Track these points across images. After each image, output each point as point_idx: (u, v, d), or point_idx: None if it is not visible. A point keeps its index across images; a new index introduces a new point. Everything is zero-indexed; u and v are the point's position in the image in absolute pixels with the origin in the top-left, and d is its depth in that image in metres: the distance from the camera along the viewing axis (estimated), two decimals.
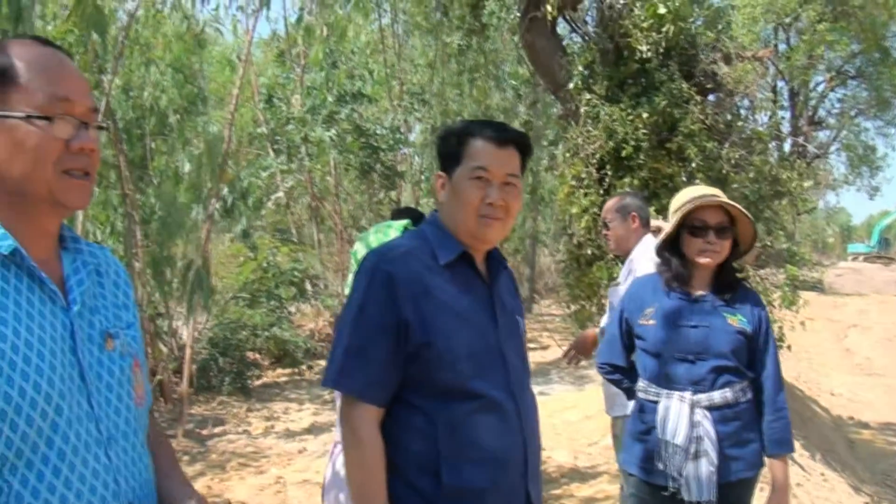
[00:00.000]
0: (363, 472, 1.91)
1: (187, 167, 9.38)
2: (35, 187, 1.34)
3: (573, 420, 7.06)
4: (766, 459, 2.92)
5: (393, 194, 12.86)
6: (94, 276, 1.49)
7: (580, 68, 7.54)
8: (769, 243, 9.64)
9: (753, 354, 2.91)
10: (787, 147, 14.08)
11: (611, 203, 4.20)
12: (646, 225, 4.13)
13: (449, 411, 1.93)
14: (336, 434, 3.18)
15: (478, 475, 1.93)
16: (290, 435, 8.05)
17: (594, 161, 7.45)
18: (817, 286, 21.32)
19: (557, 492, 5.68)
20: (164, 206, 8.84)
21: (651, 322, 2.98)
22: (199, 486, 6.39)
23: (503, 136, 2.04)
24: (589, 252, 7.64)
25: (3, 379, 1.22)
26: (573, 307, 8.66)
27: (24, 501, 1.23)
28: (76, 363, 1.35)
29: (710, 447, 2.81)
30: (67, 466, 1.27)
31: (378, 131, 11.08)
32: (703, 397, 2.85)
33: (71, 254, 1.46)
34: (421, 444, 1.93)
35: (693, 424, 2.83)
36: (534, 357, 11.95)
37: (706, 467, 2.80)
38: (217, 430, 8.31)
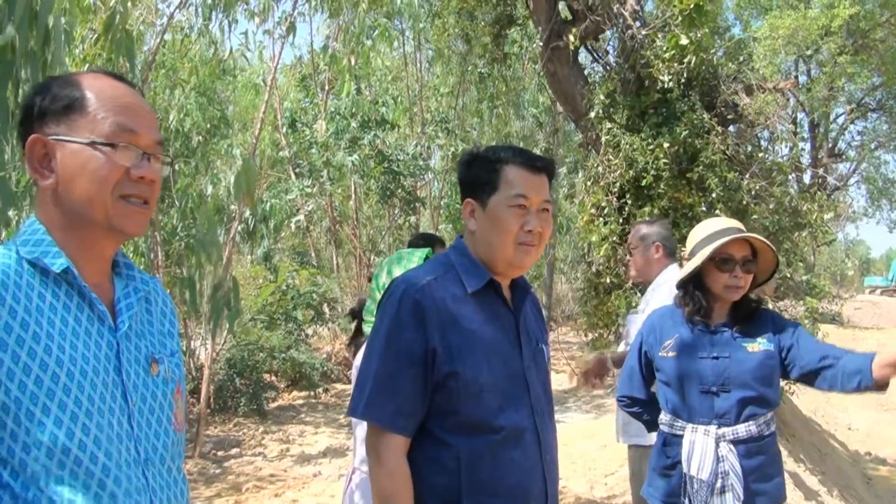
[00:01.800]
0: (390, 501, 1.90)
1: (210, 189, 9.47)
2: (93, 211, 1.38)
3: (590, 450, 7.01)
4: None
5: (412, 219, 12.91)
6: (144, 303, 1.54)
7: (601, 97, 7.58)
8: (788, 275, 9.59)
9: (793, 361, 2.86)
10: (807, 179, 14.08)
11: (634, 230, 4.15)
12: (670, 255, 4.06)
13: (472, 446, 1.93)
14: (353, 461, 3.19)
15: None
16: (305, 458, 8.05)
17: (614, 190, 7.46)
18: (836, 319, 21.13)
19: None
20: (198, 227, 8.91)
21: (671, 354, 2.98)
22: None
23: (536, 162, 2.05)
24: (608, 280, 7.63)
25: (43, 392, 1.25)
26: (591, 335, 8.63)
27: None
28: (120, 383, 1.38)
29: (735, 482, 2.79)
30: (99, 484, 1.29)
31: (400, 157, 11.14)
32: (728, 431, 2.84)
33: (123, 280, 1.51)
34: (444, 478, 1.93)
35: (719, 459, 2.81)
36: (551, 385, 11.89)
37: (732, 502, 2.78)
38: (233, 451, 8.32)
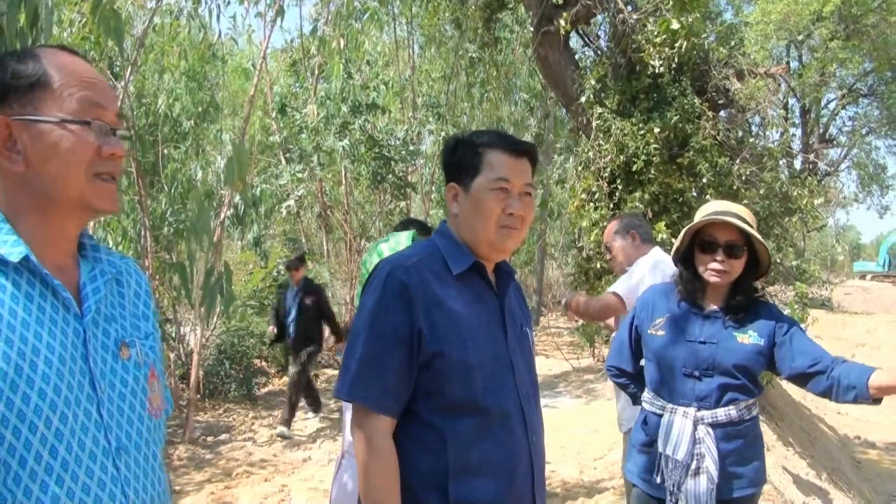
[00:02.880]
0: (377, 483, 1.90)
1: (199, 174, 9.43)
2: (67, 190, 1.34)
3: (580, 434, 7.04)
4: (766, 475, 2.89)
5: (403, 205, 12.87)
6: (113, 284, 1.49)
7: (592, 82, 7.57)
8: (778, 260, 9.62)
9: (783, 360, 2.84)
10: (798, 164, 14.09)
11: (609, 227, 4.32)
12: (647, 241, 4.21)
13: (458, 427, 1.93)
14: (343, 445, 3.19)
15: (486, 489, 1.93)
16: (295, 443, 8.05)
17: (605, 175, 7.46)
18: (826, 304, 21.25)
19: None
20: (188, 212, 8.87)
21: (660, 333, 2.98)
22: (205, 492, 6.41)
23: (519, 146, 2.06)
24: (598, 265, 7.64)
25: (7, 385, 1.20)
26: (580, 320, 8.66)
27: None
28: (87, 371, 1.33)
29: (711, 465, 2.80)
30: (71, 476, 1.25)
31: (391, 142, 11.10)
32: (707, 414, 2.85)
33: (89, 262, 1.46)
34: (430, 460, 1.93)
35: (695, 441, 2.82)
36: (541, 370, 11.90)
37: (706, 484, 2.79)
38: (223, 436, 8.32)
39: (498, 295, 2.10)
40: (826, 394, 2.76)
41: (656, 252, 4.15)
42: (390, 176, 11.18)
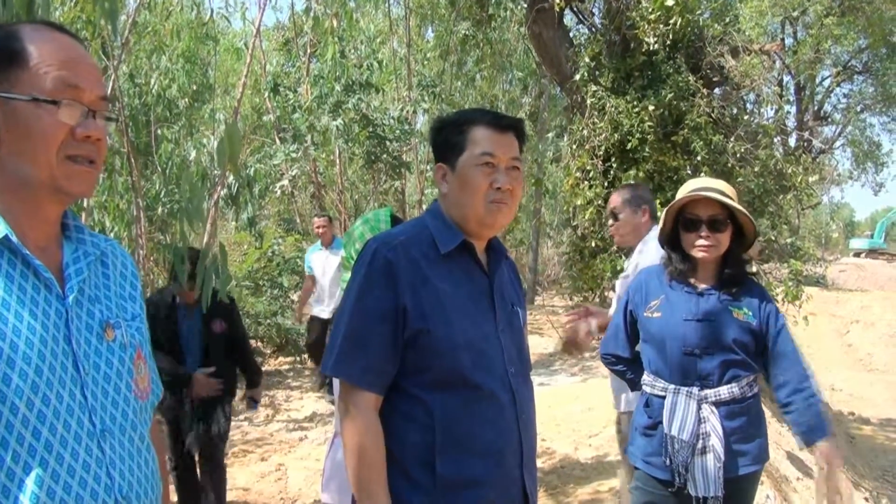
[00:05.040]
0: (362, 458, 1.91)
1: (193, 155, 9.39)
2: (37, 172, 1.32)
3: (575, 412, 7.06)
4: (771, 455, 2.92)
5: (398, 184, 12.84)
6: (97, 265, 1.47)
7: (587, 60, 7.53)
8: (773, 238, 9.63)
9: (764, 349, 2.91)
10: (792, 142, 14.07)
11: (620, 194, 4.12)
12: (654, 217, 4.09)
13: (446, 402, 1.94)
14: (336, 425, 3.20)
15: (474, 466, 1.94)
16: (291, 423, 8.07)
17: (600, 153, 7.45)
18: (820, 281, 21.32)
19: (557, 483, 5.69)
20: (182, 193, 8.84)
21: (657, 314, 2.98)
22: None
23: (502, 121, 2.07)
24: (592, 244, 7.64)
25: None
26: (576, 299, 8.68)
27: (10, 494, 1.20)
28: (70, 352, 1.32)
29: (717, 443, 2.82)
30: (55, 458, 1.24)
31: (385, 121, 11.04)
32: (710, 393, 2.86)
33: (73, 243, 1.44)
34: (418, 435, 1.94)
35: (700, 420, 2.84)
36: (536, 348, 11.94)
37: (713, 462, 2.81)
38: None
39: (488, 273, 2.10)
40: (782, 411, 2.93)
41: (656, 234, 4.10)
42: (384, 155, 11.14)
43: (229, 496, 5.92)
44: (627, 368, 3.24)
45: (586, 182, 7.51)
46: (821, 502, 2.77)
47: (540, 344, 12.41)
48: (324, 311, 8.36)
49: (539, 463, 6.03)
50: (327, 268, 8.35)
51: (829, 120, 25.92)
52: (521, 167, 2.10)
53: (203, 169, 9.20)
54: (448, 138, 2.07)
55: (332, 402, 7.12)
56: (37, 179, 1.33)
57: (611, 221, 4.14)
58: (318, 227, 8.52)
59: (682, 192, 2.98)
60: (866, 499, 9.68)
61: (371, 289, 1.95)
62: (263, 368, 10.83)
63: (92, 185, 1.40)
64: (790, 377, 2.87)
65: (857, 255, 43.92)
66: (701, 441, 2.83)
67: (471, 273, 2.07)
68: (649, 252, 3.76)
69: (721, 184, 3.00)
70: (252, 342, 10.57)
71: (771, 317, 2.92)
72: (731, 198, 2.89)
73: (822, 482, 2.75)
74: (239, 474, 6.38)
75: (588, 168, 7.49)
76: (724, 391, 2.86)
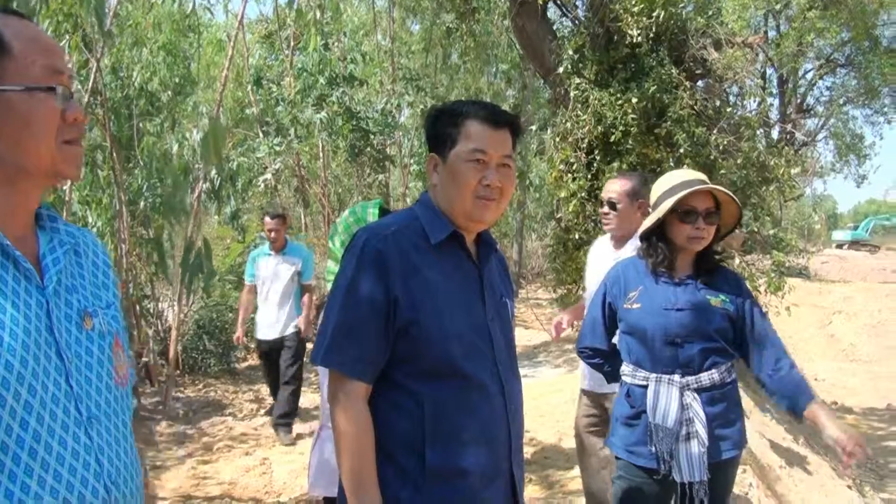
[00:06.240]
0: (352, 448, 1.92)
1: (175, 148, 9.32)
2: (38, 160, 1.32)
3: (559, 402, 7.08)
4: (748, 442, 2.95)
5: (382, 178, 12.81)
6: (72, 255, 1.47)
7: (570, 52, 7.54)
8: (756, 229, 9.69)
9: (742, 334, 2.96)
10: (775, 134, 14.14)
11: (622, 185, 4.02)
12: (645, 216, 4.06)
13: (435, 391, 1.94)
14: (322, 418, 3.20)
15: (462, 456, 1.95)
16: (280, 415, 8.04)
17: (583, 146, 7.47)
18: (803, 272, 21.47)
19: (541, 472, 5.72)
20: (164, 187, 8.76)
21: (636, 305, 3.01)
22: (186, 467, 6.41)
23: (498, 117, 2.05)
24: (576, 236, 7.67)
25: None
26: (560, 291, 8.70)
27: (1, 485, 1.20)
28: (53, 342, 1.32)
29: (700, 429, 2.86)
30: (44, 448, 1.24)
31: (369, 115, 11.01)
32: (691, 380, 2.90)
33: (47, 233, 1.44)
34: (407, 424, 1.94)
35: (683, 407, 2.88)
36: (521, 340, 11.96)
37: (697, 448, 2.86)
38: (204, 412, 8.31)
39: (477, 265, 2.10)
40: (766, 391, 2.94)
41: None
42: (368, 149, 11.11)
43: (215, 490, 5.92)
44: (605, 361, 3.26)
45: (570, 175, 7.52)
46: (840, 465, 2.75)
47: (525, 336, 12.43)
48: (270, 331, 7.16)
49: (525, 453, 6.06)
50: (277, 277, 7.11)
51: (812, 112, 26.06)
52: (514, 164, 2.09)
53: (185, 163, 9.14)
54: (442, 129, 2.05)
55: (287, 438, 6.91)
56: (37, 167, 1.33)
57: (606, 209, 4.04)
58: (269, 230, 7.14)
59: (668, 183, 3.02)
60: (849, 486, 9.79)
61: (361, 279, 1.94)
62: (247, 363, 10.82)
63: (81, 166, 1.42)
64: (769, 355, 2.92)
65: (840, 246, 44.42)
66: (685, 428, 2.87)
67: (461, 264, 2.07)
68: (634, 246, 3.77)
69: (702, 176, 3.06)
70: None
71: (746, 302, 2.98)
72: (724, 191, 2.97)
73: (832, 443, 2.71)
74: (224, 468, 6.37)
75: (572, 161, 7.51)
76: (705, 378, 2.90)
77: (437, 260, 2.02)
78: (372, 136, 10.99)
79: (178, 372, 9.18)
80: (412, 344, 1.95)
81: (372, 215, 3.03)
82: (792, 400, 2.84)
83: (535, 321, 13.59)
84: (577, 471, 5.32)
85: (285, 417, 7.15)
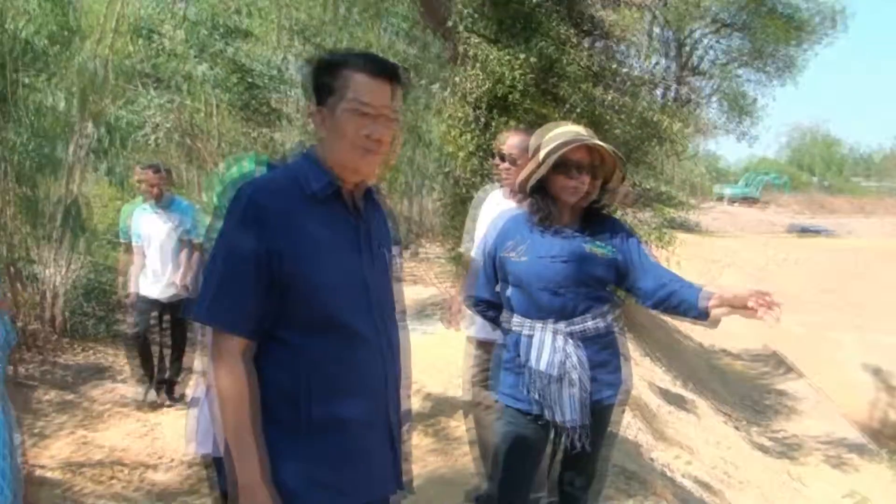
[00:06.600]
0: (233, 405, 1.91)
1: (53, 102, 8.85)
2: None
3: (449, 355, 7.13)
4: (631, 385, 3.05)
5: (276, 135, 12.50)
6: None
7: (466, 9, 7.47)
8: (647, 187, 9.93)
9: (628, 275, 3.01)
10: (667, 94, 14.49)
11: (519, 139, 3.94)
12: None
13: (315, 344, 1.95)
14: (208, 377, 3.11)
15: (342, 407, 1.97)
16: (163, 381, 7.84)
17: (477, 102, 7.45)
18: (694, 227, 22.29)
19: (430, 422, 5.84)
20: (42, 143, 8.31)
21: (522, 258, 3.04)
22: (70, 435, 6.20)
23: (381, 68, 2.02)
24: (472, 194, 7.67)
25: None
26: (456, 249, 8.72)
27: None
28: None
29: (582, 374, 2.93)
30: None
31: (259, 69, 10.70)
32: (575, 329, 2.96)
33: None
34: (287, 378, 1.95)
35: (562, 352, 2.94)
36: (417, 296, 12.11)
37: (579, 393, 2.93)
38: (88, 377, 8.03)
39: (358, 217, 2.09)
40: (666, 309, 2.97)
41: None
42: (256, 103, 10.81)
43: (99, 455, 5.75)
44: (492, 311, 3.30)
45: (463, 131, 7.50)
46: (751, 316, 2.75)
47: (421, 293, 12.51)
48: (155, 286, 6.80)
49: (413, 404, 6.09)
50: (160, 234, 6.73)
51: (703, 73, 26.78)
52: (397, 116, 2.07)
53: (65, 117, 8.71)
54: (324, 81, 2.02)
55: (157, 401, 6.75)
56: None
57: (505, 164, 4.01)
58: (140, 181, 6.73)
59: (552, 136, 3.04)
60: (724, 422, 10.33)
61: (243, 234, 1.92)
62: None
63: None
64: (658, 276, 2.99)
65: (732, 202, 46.39)
66: (567, 374, 2.93)
67: (343, 217, 2.06)
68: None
69: (584, 130, 3.09)
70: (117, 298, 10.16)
71: (628, 243, 3.05)
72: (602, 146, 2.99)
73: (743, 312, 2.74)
74: (110, 435, 6.22)
75: (464, 116, 7.48)
76: (589, 325, 2.98)
77: (319, 213, 2.01)
78: (261, 91, 10.71)
79: (59, 336, 8.82)
80: (293, 297, 1.94)
81: (253, 169, 2.95)
82: (695, 300, 2.86)
83: (430, 278, 13.68)
84: (467, 421, 5.41)
85: (170, 380, 7.05)
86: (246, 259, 1.91)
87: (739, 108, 28.43)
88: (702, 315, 2.83)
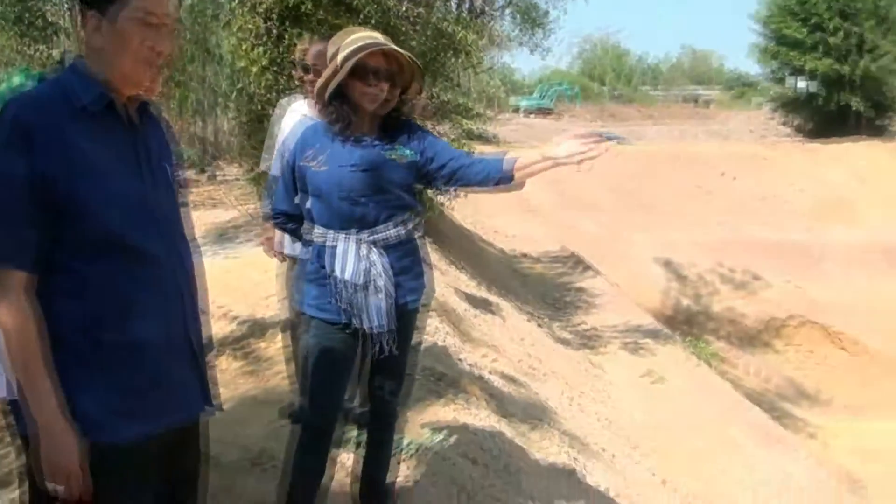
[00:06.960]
0: (20, 342, 1.79)
1: None
2: None
3: (255, 276, 7.06)
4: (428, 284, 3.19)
5: (51, 51, 11.53)
6: None
7: None
8: (445, 99, 10.07)
9: (433, 171, 3.04)
10: (461, 4, 14.60)
11: (319, 49, 3.84)
12: None
13: (101, 267, 1.85)
14: None
15: (136, 330, 1.89)
16: None
17: (268, 13, 7.21)
18: (491, 139, 22.94)
19: (238, 346, 5.79)
20: None
21: (322, 168, 3.00)
22: None
23: None
24: (270, 111, 7.47)
25: None
26: (255, 169, 8.52)
27: None
28: None
29: (386, 281, 2.98)
30: None
31: None
32: (377, 237, 2.99)
33: None
34: (75, 307, 1.84)
35: (366, 260, 2.97)
36: (218, 220, 11.80)
37: (384, 300, 2.98)
38: None
39: (135, 132, 1.98)
40: (469, 181, 3.01)
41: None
42: (30, 16, 9.89)
43: None
44: (295, 224, 3.26)
45: (257, 45, 7.25)
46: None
47: (221, 216, 12.18)
48: None
49: (221, 327, 6.02)
50: None
51: None
52: (177, 25, 2.01)
53: None
54: None
55: None
56: None
57: (309, 76, 3.96)
58: None
59: (349, 41, 2.97)
60: (527, 320, 10.97)
61: (10, 157, 1.77)
62: None
63: None
64: (457, 155, 3.07)
65: (528, 114, 47.84)
66: (372, 281, 2.97)
67: (118, 131, 1.94)
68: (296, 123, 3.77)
69: (381, 36, 3.04)
70: None
71: (426, 142, 3.07)
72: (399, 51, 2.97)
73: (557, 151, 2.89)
74: None
75: (258, 30, 7.23)
76: (385, 232, 3.01)
77: (89, 128, 1.87)
78: (31, 2, 9.79)
79: None
80: (71, 220, 1.82)
81: (16, 83, 2.74)
82: (491, 172, 2.95)
83: (231, 201, 13.33)
84: (278, 341, 5.39)
85: None
86: (16, 185, 1.77)
87: (532, 21, 29.03)
88: (505, 177, 2.93)
